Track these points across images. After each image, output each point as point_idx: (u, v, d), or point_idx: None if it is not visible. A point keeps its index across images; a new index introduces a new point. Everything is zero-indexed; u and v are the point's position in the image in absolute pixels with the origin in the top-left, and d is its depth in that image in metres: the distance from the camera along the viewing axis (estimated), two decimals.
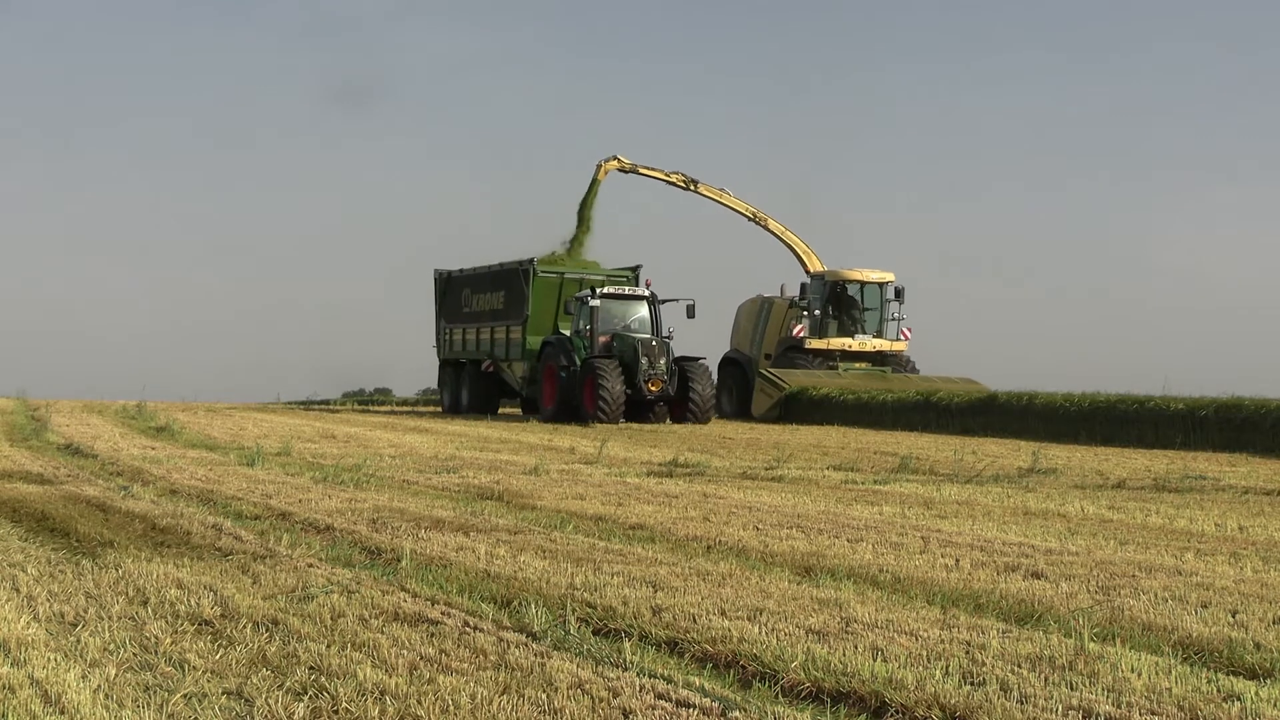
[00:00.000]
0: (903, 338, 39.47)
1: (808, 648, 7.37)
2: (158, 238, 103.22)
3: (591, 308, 34.35)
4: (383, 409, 48.98)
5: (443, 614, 8.36)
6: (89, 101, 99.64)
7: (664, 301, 35.10)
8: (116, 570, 9.85)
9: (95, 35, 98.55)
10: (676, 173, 43.29)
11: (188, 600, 8.68)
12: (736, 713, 6.24)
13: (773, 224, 43.36)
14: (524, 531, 12.13)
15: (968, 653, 7.35)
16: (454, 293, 42.56)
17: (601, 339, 34.28)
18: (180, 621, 8.10)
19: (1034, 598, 8.93)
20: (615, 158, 42.83)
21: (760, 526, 12.53)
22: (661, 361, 33.29)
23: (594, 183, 42.42)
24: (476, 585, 9.34)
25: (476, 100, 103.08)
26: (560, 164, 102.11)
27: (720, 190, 43.53)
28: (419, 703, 6.31)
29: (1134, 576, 9.84)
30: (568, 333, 35.70)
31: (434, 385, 73.52)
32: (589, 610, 8.43)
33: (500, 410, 41.20)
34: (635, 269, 39.20)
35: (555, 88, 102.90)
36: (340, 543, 11.47)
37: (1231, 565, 10.54)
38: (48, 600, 8.76)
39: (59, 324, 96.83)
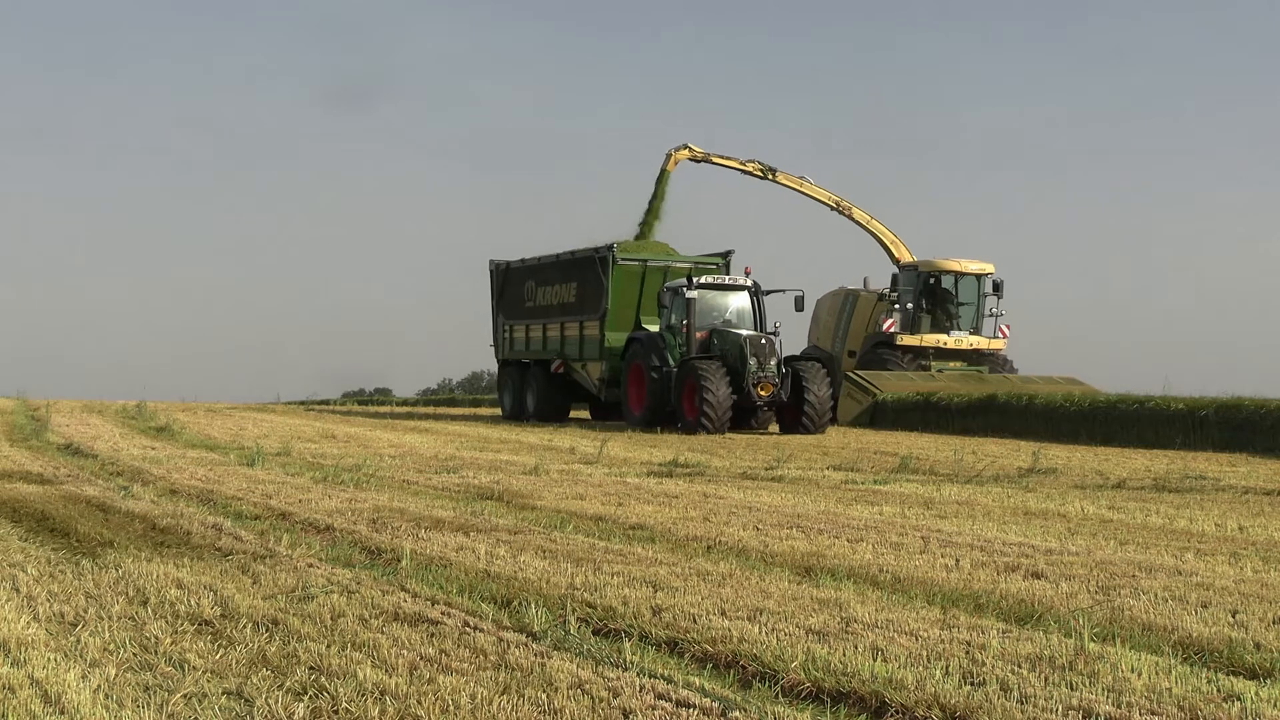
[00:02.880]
0: (1001, 335, 36.82)
1: (808, 648, 7.37)
2: (158, 238, 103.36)
3: (688, 300, 30.01)
4: (383, 409, 48.96)
5: (443, 614, 8.36)
6: (88, 101, 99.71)
7: (768, 292, 30.94)
8: (116, 570, 9.85)
9: (95, 35, 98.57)
10: (752, 161, 40.35)
11: (188, 600, 8.68)
12: (736, 713, 6.24)
13: (857, 212, 40.60)
14: (524, 531, 12.13)
15: (968, 653, 7.35)
16: (514, 286, 38.10)
17: (698, 335, 30.08)
18: (180, 621, 8.10)
19: (1034, 598, 8.92)
20: (686, 146, 39.70)
21: (760, 526, 12.53)
22: (772, 362, 28.99)
23: (663, 173, 39.16)
24: (476, 585, 9.34)
25: (477, 99, 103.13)
26: (563, 164, 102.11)
27: (800, 178, 40.62)
28: (419, 703, 6.31)
29: (1134, 576, 9.83)
30: (650, 328, 32.08)
31: (434, 386, 73.69)
32: (589, 610, 8.42)
33: (570, 416, 36.98)
34: (726, 255, 34.69)
35: (556, 86, 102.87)
36: (340, 543, 11.47)
37: (1231, 565, 10.54)
38: (48, 600, 8.76)
39: (59, 324, 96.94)
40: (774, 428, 30.31)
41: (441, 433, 29.82)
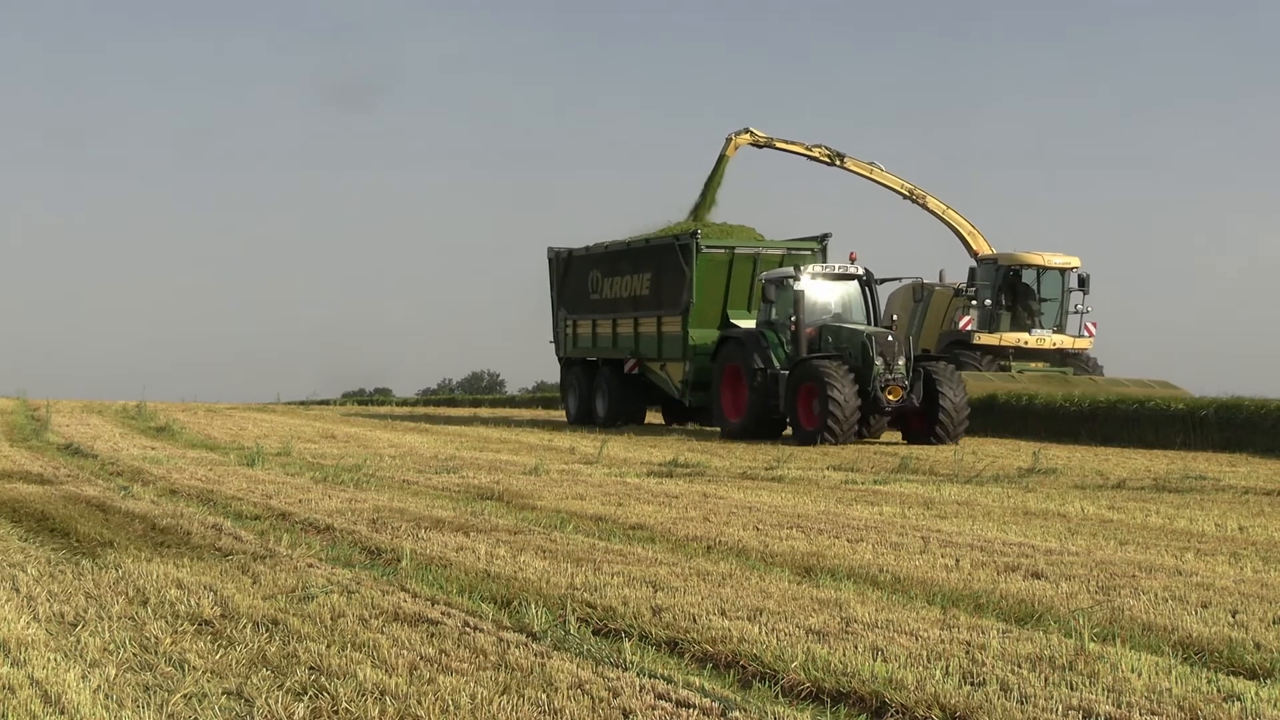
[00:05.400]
0: (1086, 334, 34.23)
1: (808, 648, 7.37)
2: (158, 237, 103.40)
3: (796, 292, 26.30)
4: (383, 409, 48.95)
5: (443, 614, 8.36)
6: (89, 101, 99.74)
7: (880, 281, 27.39)
8: (116, 570, 9.85)
9: (96, 35, 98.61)
10: (819, 146, 37.63)
11: (188, 600, 8.68)
12: (736, 713, 6.24)
13: (932, 201, 37.98)
14: (524, 531, 12.13)
15: (968, 653, 7.35)
16: (578, 276, 34.11)
17: (807, 331, 26.35)
18: (180, 621, 8.10)
19: (1034, 598, 8.93)
20: (748, 130, 36.74)
21: (760, 526, 12.53)
22: (900, 362, 25.33)
23: (722, 159, 36.06)
24: (476, 585, 9.34)
25: (475, 100, 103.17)
26: (564, 164, 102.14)
27: (870, 165, 37.98)
28: (419, 703, 6.31)
29: (1134, 576, 9.83)
30: (740, 323, 28.60)
31: (434, 386, 73.61)
32: (589, 610, 8.43)
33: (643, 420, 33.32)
34: (823, 239, 30.76)
35: (557, 85, 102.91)
36: (340, 543, 11.47)
37: (1231, 565, 10.53)
38: (48, 600, 8.76)
39: (59, 324, 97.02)
40: (889, 436, 27.22)
41: (441, 433, 29.82)
